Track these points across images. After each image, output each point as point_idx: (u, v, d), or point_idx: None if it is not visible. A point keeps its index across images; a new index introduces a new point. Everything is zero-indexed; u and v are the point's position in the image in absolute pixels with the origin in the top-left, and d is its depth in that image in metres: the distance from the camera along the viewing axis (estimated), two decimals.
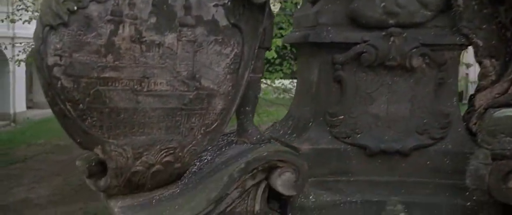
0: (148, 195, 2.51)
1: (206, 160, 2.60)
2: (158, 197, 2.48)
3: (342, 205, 2.59)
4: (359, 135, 2.65)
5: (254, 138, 2.59)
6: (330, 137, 2.68)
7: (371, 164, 2.64)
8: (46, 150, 19.50)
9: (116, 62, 2.28)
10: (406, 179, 2.63)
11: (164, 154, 2.44)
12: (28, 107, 27.20)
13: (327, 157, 2.66)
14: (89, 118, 2.30)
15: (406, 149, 2.62)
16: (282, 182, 2.44)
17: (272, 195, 2.56)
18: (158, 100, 2.38)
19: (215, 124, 2.53)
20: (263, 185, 2.52)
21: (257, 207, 2.53)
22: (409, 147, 2.62)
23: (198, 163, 2.59)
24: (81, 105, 2.27)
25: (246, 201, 2.52)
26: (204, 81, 2.45)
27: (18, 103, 25.51)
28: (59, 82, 2.23)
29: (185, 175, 2.56)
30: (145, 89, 2.35)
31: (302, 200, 2.58)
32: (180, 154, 2.48)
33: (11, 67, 24.88)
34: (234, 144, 2.68)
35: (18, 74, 25.33)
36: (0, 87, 24.89)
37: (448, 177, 2.60)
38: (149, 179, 2.47)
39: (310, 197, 2.59)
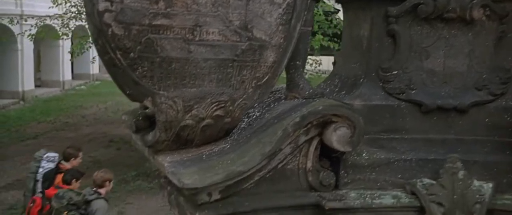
0: (196, 151, 2.42)
1: (254, 116, 2.51)
2: (207, 153, 2.40)
3: (396, 163, 2.50)
4: (413, 91, 2.55)
5: (306, 92, 2.50)
6: (383, 93, 2.58)
7: (426, 121, 2.54)
8: (56, 127, 19.50)
9: (168, 9, 2.17)
10: (464, 136, 2.53)
11: (215, 107, 2.35)
12: (36, 86, 27.18)
13: (380, 114, 2.57)
14: (139, 67, 2.20)
15: (464, 105, 2.52)
16: (337, 137, 2.34)
17: (323, 152, 2.47)
18: (210, 50, 2.28)
19: (266, 78, 2.43)
20: (315, 142, 2.42)
21: (309, 164, 2.44)
22: (466, 103, 2.52)
23: (246, 119, 2.50)
24: (131, 53, 2.17)
25: (297, 158, 2.43)
26: (256, 32, 2.34)
27: (27, 82, 25.47)
28: (110, 29, 2.12)
29: (233, 131, 2.47)
30: (197, 38, 2.25)
31: (355, 157, 2.49)
32: (230, 108, 2.38)
33: (19, 45, 24.82)
34: (283, 100, 2.58)
35: (26, 52, 25.28)
36: (8, 65, 24.84)
37: (508, 134, 2.51)
38: (198, 134, 2.38)
39: (363, 154, 2.50)
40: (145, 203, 10.76)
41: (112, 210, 10.39)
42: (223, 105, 2.36)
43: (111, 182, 6.05)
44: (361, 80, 2.62)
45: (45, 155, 7.08)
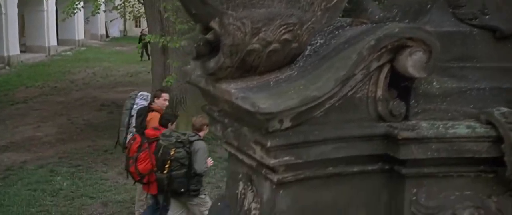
0: (261, 78, 2.28)
1: (318, 44, 2.36)
2: (274, 80, 2.25)
3: (468, 92, 2.38)
4: (487, 16, 2.41)
5: (376, 16, 2.36)
6: (453, 19, 2.44)
7: (500, 48, 2.41)
8: (45, 92, 19.23)
9: None
10: None
11: (283, 30, 2.19)
12: (21, 51, 26.73)
13: (451, 41, 2.43)
14: None
15: None
16: (413, 62, 2.21)
17: (391, 81, 2.34)
18: None
19: (335, 0, 2.28)
20: (386, 69, 2.29)
21: (379, 93, 2.31)
22: None
23: (309, 47, 2.36)
24: None
25: (367, 86, 2.30)
26: None
27: (12, 46, 25.02)
28: None
29: (298, 58, 2.33)
30: None
31: (426, 86, 2.36)
32: (298, 31, 2.23)
33: (3, 8, 24.29)
34: (347, 27, 2.44)
35: (10, 16, 24.77)
36: None
37: None
38: (264, 60, 2.23)
39: (434, 83, 2.37)
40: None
41: (112, 171, 10.27)
42: (291, 28, 2.20)
43: (208, 127, 6.32)
44: (428, 6, 2.48)
45: (140, 94, 8.09)
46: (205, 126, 6.65)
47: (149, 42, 26.24)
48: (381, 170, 2.41)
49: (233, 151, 2.60)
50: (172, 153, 6.50)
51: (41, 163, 10.71)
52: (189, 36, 11.49)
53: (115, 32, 40.62)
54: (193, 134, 6.74)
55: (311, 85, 2.14)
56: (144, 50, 25.50)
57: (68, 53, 30.42)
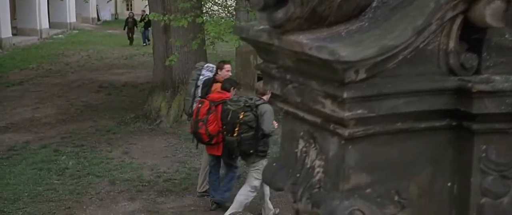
0: (330, 30, 2.19)
1: None
2: (345, 31, 2.16)
3: None
4: None
5: None
6: None
7: None
8: (39, 74, 19.05)
9: None
10: None
11: None
12: (13, 34, 26.44)
13: None
14: None
15: None
16: (491, 11, 2.13)
17: (462, 34, 2.26)
18: None
19: None
20: (458, 20, 2.21)
21: (451, 45, 2.23)
22: None
23: None
24: None
25: (439, 38, 2.22)
26: None
27: (4, 29, 24.71)
28: None
29: (366, 10, 2.25)
30: None
31: (498, 38, 2.28)
32: None
33: None
34: None
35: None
36: None
37: None
38: (334, 11, 2.14)
39: (506, 35, 2.29)
40: (148, 144, 10.60)
41: (117, 150, 10.20)
42: None
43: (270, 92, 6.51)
44: None
45: (206, 65, 8.53)
46: (268, 91, 6.49)
47: (136, 26, 25.98)
48: (448, 126, 2.35)
49: (291, 109, 2.52)
50: (241, 116, 6.95)
51: (44, 143, 10.60)
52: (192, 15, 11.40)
53: (106, 15, 40.30)
54: (258, 98, 7.11)
55: (388, 35, 2.06)
56: (130, 35, 25.37)
57: (60, 36, 30.13)
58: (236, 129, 6.97)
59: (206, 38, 10.71)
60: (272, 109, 7.08)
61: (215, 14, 12.17)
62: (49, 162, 9.55)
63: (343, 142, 2.25)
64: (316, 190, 2.38)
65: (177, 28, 11.48)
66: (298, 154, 2.52)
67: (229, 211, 7.18)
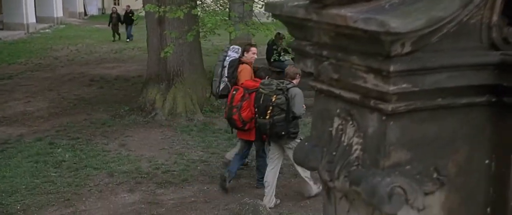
0: (370, 4, 2.14)
1: None
2: (388, 4, 2.13)
3: None
4: None
5: None
6: None
7: None
8: (29, 68, 18.86)
9: None
10: None
11: None
12: None
13: None
14: None
15: None
16: None
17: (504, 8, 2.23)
18: None
19: None
20: None
21: (494, 18, 2.20)
22: None
23: None
24: None
25: (482, 11, 2.18)
26: None
27: None
28: None
29: None
30: None
31: None
32: None
33: None
34: None
35: None
36: None
37: None
38: None
39: None
40: (144, 136, 10.52)
41: (113, 142, 10.12)
42: None
43: (300, 76, 7.39)
44: None
45: (232, 47, 8.87)
46: (298, 75, 7.44)
47: (120, 21, 25.59)
48: (487, 102, 2.32)
49: (325, 87, 2.48)
50: (273, 99, 7.22)
51: (39, 136, 10.48)
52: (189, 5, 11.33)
53: (93, 10, 40.00)
54: (288, 82, 7.39)
55: (435, 6, 2.03)
56: (115, 30, 25.13)
57: (47, 30, 29.85)
58: (268, 111, 7.25)
59: (201, 30, 10.62)
60: (301, 92, 7.35)
61: (209, 7, 12.07)
62: (45, 155, 9.44)
63: (384, 118, 2.21)
64: (354, 167, 2.34)
65: (171, 20, 11.39)
66: (333, 132, 2.48)
67: (308, 188, 7.79)
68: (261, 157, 8.11)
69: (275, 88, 7.26)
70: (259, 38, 15.44)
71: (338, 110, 2.46)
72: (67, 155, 9.44)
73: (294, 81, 7.45)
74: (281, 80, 7.52)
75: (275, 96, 7.23)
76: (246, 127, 7.79)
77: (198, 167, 9.09)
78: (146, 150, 9.85)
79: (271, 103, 7.23)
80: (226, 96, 8.19)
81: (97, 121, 11.60)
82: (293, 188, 8.29)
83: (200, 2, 12.07)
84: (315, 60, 2.46)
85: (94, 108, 12.85)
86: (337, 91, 2.42)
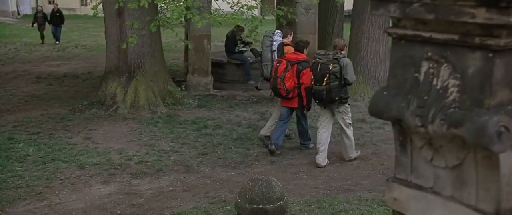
0: None
1: None
2: None
3: None
4: None
5: None
6: None
7: None
8: None
9: None
10: None
11: None
12: None
13: None
14: None
15: None
16: None
17: None
18: None
19: None
20: None
21: None
22: None
23: None
24: None
25: None
26: None
27: None
28: None
29: None
30: None
31: None
32: None
33: None
34: None
35: None
36: None
37: None
38: None
39: None
40: (109, 129, 10.21)
41: (77, 136, 9.78)
42: None
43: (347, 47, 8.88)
44: None
45: (276, 32, 9.89)
46: (346, 47, 8.75)
47: (47, 21, 24.36)
48: None
49: (409, 32, 2.42)
50: (330, 68, 8.08)
51: None
52: None
53: (26, 9, 38.59)
54: (338, 53, 8.32)
55: None
56: (41, 31, 23.85)
57: None
58: (325, 78, 8.11)
59: (165, 20, 10.39)
60: (351, 62, 8.50)
61: None
62: (6, 150, 8.97)
63: (491, 55, 2.16)
64: (451, 110, 2.28)
65: (132, 11, 11.09)
66: (421, 77, 2.42)
67: (349, 151, 8.69)
68: (302, 123, 9.11)
69: (331, 57, 8.14)
70: (215, 31, 15.33)
71: (428, 54, 2.39)
72: (30, 150, 9.01)
73: (343, 52, 8.45)
74: (330, 52, 8.43)
75: (331, 64, 8.09)
76: (290, 95, 8.66)
77: (171, 158, 8.87)
78: (113, 143, 9.54)
79: (328, 71, 8.08)
80: None
81: (55, 116, 11.14)
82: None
83: None
84: (400, 4, 2.39)
85: (48, 104, 12.35)
86: (426, 34, 2.36)
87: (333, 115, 8.53)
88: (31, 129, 10.20)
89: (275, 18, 13.03)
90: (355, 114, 11.27)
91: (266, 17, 12.09)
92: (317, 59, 8.26)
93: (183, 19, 10.41)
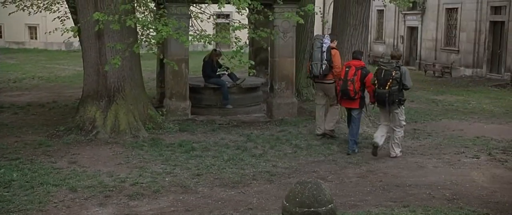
0: None
1: None
2: None
3: None
4: None
5: None
6: None
7: None
8: None
9: None
10: None
11: None
12: None
13: None
14: None
15: None
16: None
17: None
18: None
19: None
20: None
21: None
22: None
23: None
24: None
25: None
26: None
27: None
28: None
29: None
30: None
31: None
32: None
33: None
34: None
35: None
36: None
37: None
38: None
39: None
40: (93, 153, 9.89)
41: (61, 161, 9.42)
42: None
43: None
44: None
45: (326, 35, 11.40)
46: (401, 56, 10.40)
47: None
48: None
49: None
50: (393, 74, 9.55)
51: None
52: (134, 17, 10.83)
53: None
54: (397, 61, 9.81)
55: None
56: None
57: None
58: (389, 83, 9.55)
59: (150, 40, 10.17)
60: (408, 70, 9.99)
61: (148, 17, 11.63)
62: None
63: None
64: None
65: (112, 33, 10.86)
66: None
67: (395, 150, 9.98)
68: (355, 122, 10.32)
69: (394, 65, 9.61)
70: (193, 59, 15.10)
71: None
72: (14, 175, 8.53)
73: (399, 62, 9.88)
74: (391, 61, 9.88)
75: (394, 71, 9.55)
76: (356, 97, 10.13)
77: (166, 179, 8.58)
78: (101, 166, 9.16)
79: (391, 77, 9.53)
80: (327, 75, 10.75)
81: (32, 142, 10.65)
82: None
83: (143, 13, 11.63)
84: None
85: (20, 131, 11.81)
86: None
87: (389, 114, 9.88)
88: (9, 155, 9.70)
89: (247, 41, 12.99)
90: (340, 135, 11.29)
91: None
92: (381, 66, 9.73)
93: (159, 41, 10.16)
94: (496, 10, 22.78)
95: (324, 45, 10.69)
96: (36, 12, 16.79)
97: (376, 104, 10.00)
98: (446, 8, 25.41)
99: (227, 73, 13.60)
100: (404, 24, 28.49)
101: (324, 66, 10.68)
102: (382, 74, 9.59)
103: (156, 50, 11.09)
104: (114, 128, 11.01)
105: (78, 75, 23.60)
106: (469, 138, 11.38)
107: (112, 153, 9.93)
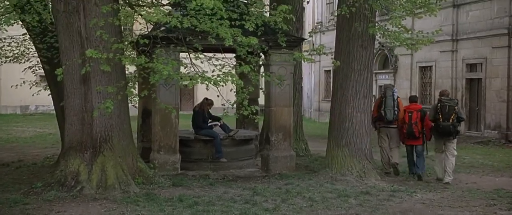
0: None
1: None
2: None
3: None
4: None
5: None
6: None
7: None
8: None
9: None
10: None
11: None
12: None
13: None
14: None
15: None
16: None
17: None
18: None
19: None
20: None
21: None
22: None
23: None
24: None
25: None
26: None
27: None
28: None
29: None
30: None
31: None
32: None
33: None
34: None
35: None
36: None
37: None
38: None
39: None
40: (81, 210, 8.68)
41: None
42: None
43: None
44: None
45: (394, 86, 13.27)
46: (449, 93, 11.98)
47: None
48: None
49: None
50: (456, 109, 11.09)
51: None
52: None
53: None
54: (453, 99, 11.67)
55: None
56: None
57: None
58: (452, 117, 11.04)
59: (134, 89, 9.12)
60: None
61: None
62: None
63: None
64: None
65: (100, 77, 9.79)
66: None
67: (448, 177, 11.30)
68: (420, 156, 11.78)
69: (456, 102, 11.37)
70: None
71: None
72: None
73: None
74: (451, 98, 11.49)
75: (456, 107, 11.12)
76: (419, 136, 11.71)
77: None
78: None
79: (455, 111, 11.04)
80: (396, 120, 12.04)
81: (6, 201, 9.20)
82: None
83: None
84: None
85: None
86: None
87: (443, 146, 11.43)
88: None
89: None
90: (352, 188, 10.31)
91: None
92: (445, 102, 11.14)
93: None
94: (471, 67, 22.61)
95: (395, 94, 12.01)
96: (2, 64, 15.47)
97: (434, 137, 11.54)
98: (420, 67, 25.21)
99: (220, 124, 12.53)
100: (376, 83, 28.16)
101: (396, 112, 11.90)
102: (447, 109, 11.04)
103: (137, 100, 10.01)
104: (100, 182, 9.69)
105: (41, 136, 22.07)
106: (490, 191, 10.53)
107: (104, 209, 8.59)
